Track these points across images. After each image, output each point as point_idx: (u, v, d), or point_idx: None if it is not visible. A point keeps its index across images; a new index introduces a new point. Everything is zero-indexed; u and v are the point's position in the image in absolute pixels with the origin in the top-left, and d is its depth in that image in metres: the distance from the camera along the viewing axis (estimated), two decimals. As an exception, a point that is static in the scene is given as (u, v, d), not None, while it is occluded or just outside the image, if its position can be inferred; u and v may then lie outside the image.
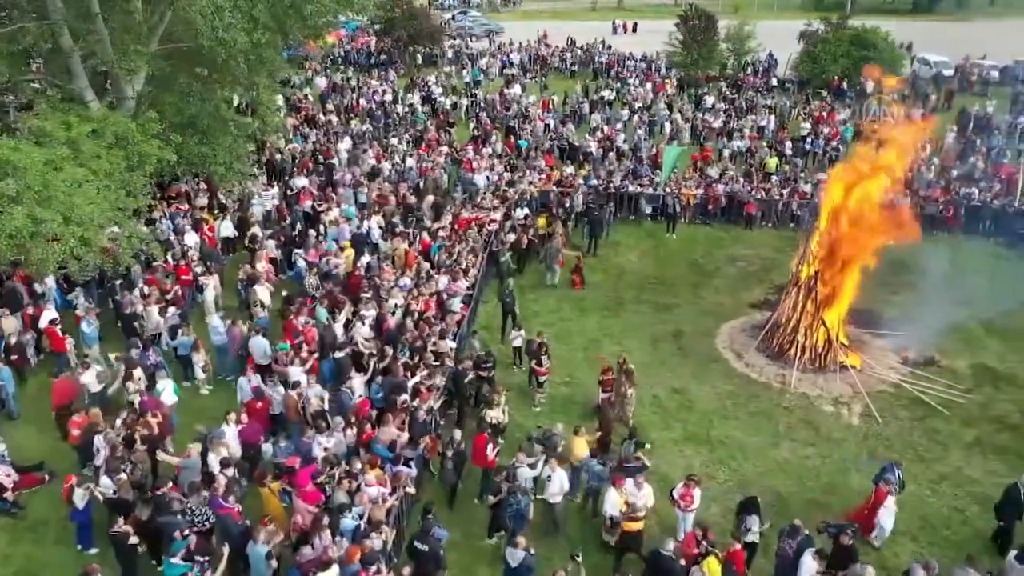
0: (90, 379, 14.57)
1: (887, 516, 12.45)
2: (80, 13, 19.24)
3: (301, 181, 24.42)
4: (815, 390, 16.73)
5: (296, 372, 14.56)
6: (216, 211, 22.76)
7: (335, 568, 10.09)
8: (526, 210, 23.46)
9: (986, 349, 18.44)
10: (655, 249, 23.78)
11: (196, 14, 18.13)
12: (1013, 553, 10.84)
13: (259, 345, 15.83)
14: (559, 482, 12.31)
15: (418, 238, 20.55)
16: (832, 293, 17.29)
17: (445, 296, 17.76)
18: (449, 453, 12.91)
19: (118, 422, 12.82)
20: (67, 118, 17.54)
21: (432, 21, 45.20)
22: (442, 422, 15.04)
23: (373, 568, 10.47)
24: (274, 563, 10.59)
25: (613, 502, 12.11)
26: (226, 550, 10.50)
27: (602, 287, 21.30)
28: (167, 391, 14.47)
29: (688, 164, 27.41)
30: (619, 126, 32.97)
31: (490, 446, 12.91)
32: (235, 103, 24.90)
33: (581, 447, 13.18)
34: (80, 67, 20.09)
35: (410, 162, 27.14)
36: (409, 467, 12.63)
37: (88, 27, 19.31)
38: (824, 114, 35.13)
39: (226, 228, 21.98)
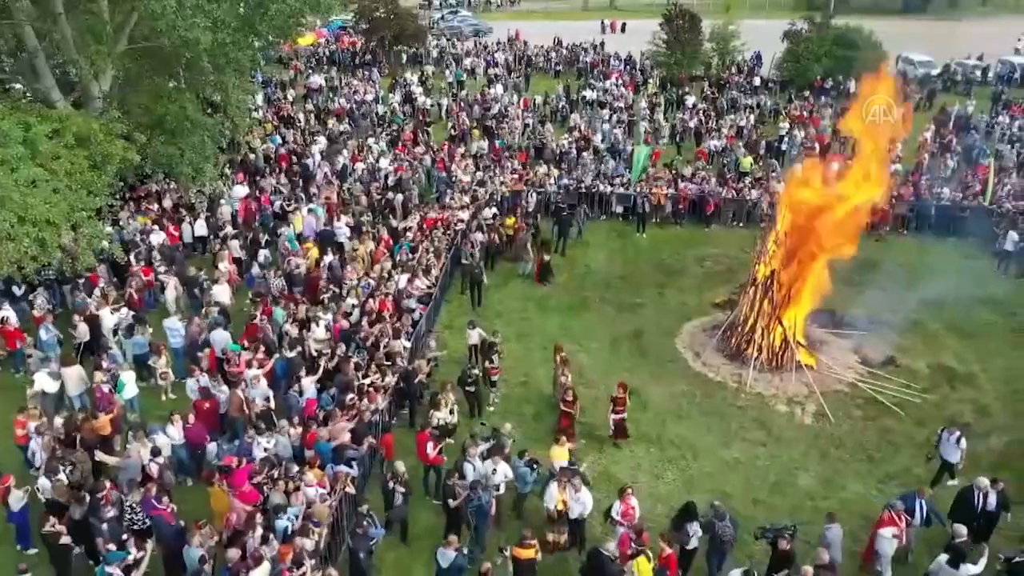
0: (44, 381, 14.59)
1: (884, 543, 11.68)
2: (45, 12, 19.30)
3: (267, 182, 24.50)
4: (770, 390, 16.73)
5: (251, 373, 14.61)
6: (183, 212, 22.76)
7: (265, 567, 10.09)
8: (494, 210, 23.45)
9: (946, 349, 18.42)
10: (624, 249, 23.80)
11: (157, 13, 18.18)
12: (944, 557, 10.83)
13: (221, 338, 15.98)
14: (502, 475, 12.37)
15: (378, 237, 20.55)
16: (790, 293, 17.24)
17: (404, 296, 17.77)
18: (395, 486, 12.17)
19: (58, 421, 12.83)
20: (26, 118, 17.57)
21: (416, 21, 45.13)
22: (394, 421, 15.12)
23: (302, 568, 10.51)
24: (208, 567, 10.56)
25: (552, 495, 12.18)
26: (148, 548, 10.48)
27: (567, 287, 21.31)
28: (129, 384, 14.59)
29: (651, 164, 27.28)
30: (604, 126, 32.93)
31: (431, 444, 12.92)
32: (205, 104, 24.76)
33: (559, 455, 12.94)
34: (46, 67, 20.14)
35: (384, 162, 27.16)
36: (351, 467, 12.67)
37: (51, 27, 19.37)
38: (805, 114, 35.13)
39: (199, 228, 22.03)
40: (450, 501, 12.15)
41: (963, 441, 13.62)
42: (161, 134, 21.18)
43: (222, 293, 17.65)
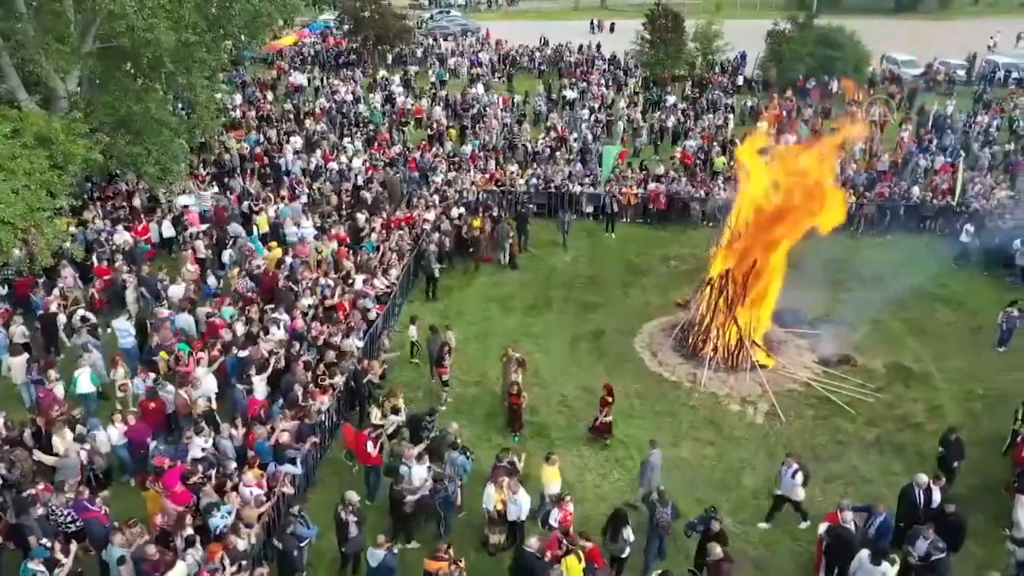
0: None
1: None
2: (8, 12, 19.33)
3: (236, 183, 24.55)
4: (724, 389, 16.74)
5: (201, 372, 14.65)
6: (159, 211, 22.80)
7: (180, 568, 10.11)
8: (461, 209, 23.47)
9: (904, 348, 18.42)
10: (591, 248, 23.82)
11: (115, 13, 18.22)
12: (865, 553, 10.83)
13: (186, 321, 16.31)
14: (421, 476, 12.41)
15: (341, 237, 20.61)
16: (745, 291, 17.25)
17: (360, 296, 17.79)
18: (347, 516, 11.57)
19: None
20: (-17, 118, 17.60)
21: (400, 21, 45.14)
22: (343, 420, 15.16)
23: (231, 567, 10.54)
24: (123, 569, 10.52)
25: (490, 496, 12.20)
26: (72, 550, 10.51)
27: (531, 286, 21.34)
28: (83, 379, 14.65)
29: (620, 163, 27.31)
30: (582, 126, 32.96)
31: (370, 443, 12.94)
32: (176, 105, 24.87)
33: (552, 476, 12.64)
34: (10, 66, 20.18)
35: (357, 162, 27.18)
36: (293, 465, 12.71)
37: (14, 27, 19.40)
38: (784, 114, 35.16)
39: (166, 228, 22.07)
40: (406, 503, 12.12)
41: (799, 476, 12.48)
42: (126, 134, 21.20)
43: (178, 293, 17.64)
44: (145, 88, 22.17)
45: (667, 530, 11.96)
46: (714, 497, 13.75)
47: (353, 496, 11.94)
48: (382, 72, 40.87)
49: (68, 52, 19.81)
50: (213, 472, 12.10)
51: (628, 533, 11.68)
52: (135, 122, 21.32)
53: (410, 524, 12.54)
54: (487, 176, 26.12)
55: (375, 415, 13.84)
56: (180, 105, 25.15)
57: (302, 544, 11.26)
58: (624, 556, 11.74)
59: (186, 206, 22.44)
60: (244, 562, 10.66)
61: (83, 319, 16.79)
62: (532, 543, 10.81)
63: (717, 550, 10.63)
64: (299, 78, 39.88)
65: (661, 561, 12.04)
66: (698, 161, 29.04)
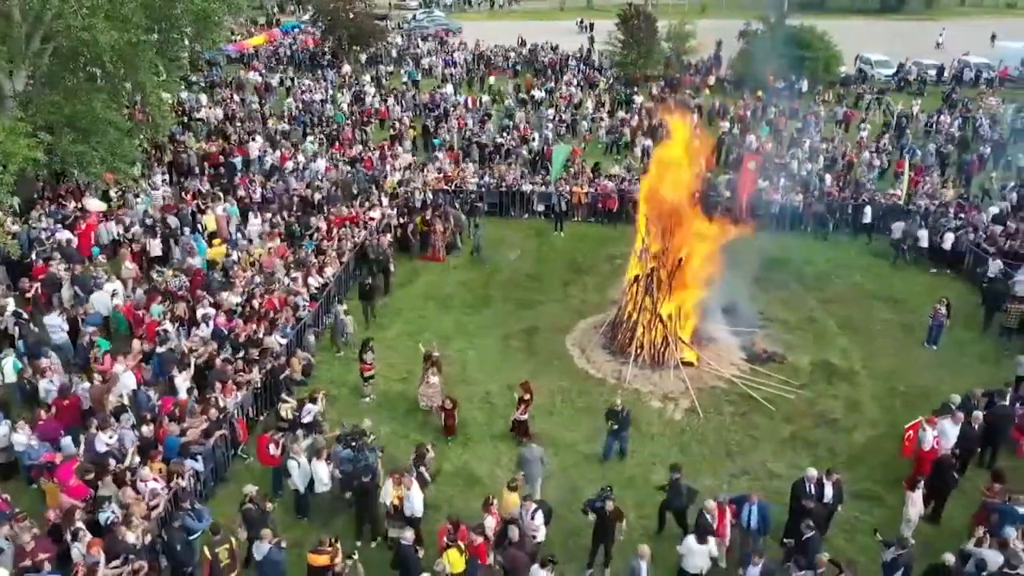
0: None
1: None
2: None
3: (192, 183, 24.71)
4: (648, 386, 16.82)
5: (120, 369, 14.78)
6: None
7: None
8: (393, 211, 23.54)
9: (833, 346, 18.51)
10: (539, 247, 23.92)
11: (55, 13, 18.39)
12: (692, 537, 11.15)
13: (100, 300, 16.71)
14: (326, 474, 12.52)
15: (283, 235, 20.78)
16: (669, 289, 17.36)
17: (292, 293, 17.92)
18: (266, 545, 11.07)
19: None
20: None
21: (374, 21, 45.33)
22: (262, 418, 15.30)
23: (118, 560, 10.67)
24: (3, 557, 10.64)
25: (387, 491, 12.32)
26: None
27: (473, 285, 21.44)
28: (7, 368, 14.88)
29: (571, 162, 27.41)
30: (549, 125, 33.07)
31: (272, 445, 13.07)
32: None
33: (512, 502, 12.35)
34: (-44, 67, 20.35)
35: (320, 163, 27.24)
36: (195, 460, 12.83)
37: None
38: (748, 113, 35.29)
39: (112, 228, 22.17)
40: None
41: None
42: (71, 132, 21.33)
43: (100, 300, 17.65)
44: (92, 87, 22.31)
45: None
46: (619, 493, 13.79)
47: (251, 488, 12.13)
48: (346, 67, 41.00)
49: (14, 52, 19.95)
50: (113, 465, 12.22)
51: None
52: (81, 121, 21.47)
53: (377, 521, 12.61)
54: (440, 176, 26.21)
55: (284, 411, 13.93)
56: (133, 104, 25.22)
57: (191, 538, 11.36)
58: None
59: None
60: (132, 555, 10.80)
61: (15, 314, 16.94)
62: (408, 536, 10.93)
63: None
64: (270, 78, 40.00)
65: None
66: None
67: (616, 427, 14.48)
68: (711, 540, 11.18)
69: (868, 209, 24.26)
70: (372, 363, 16.18)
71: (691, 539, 11.23)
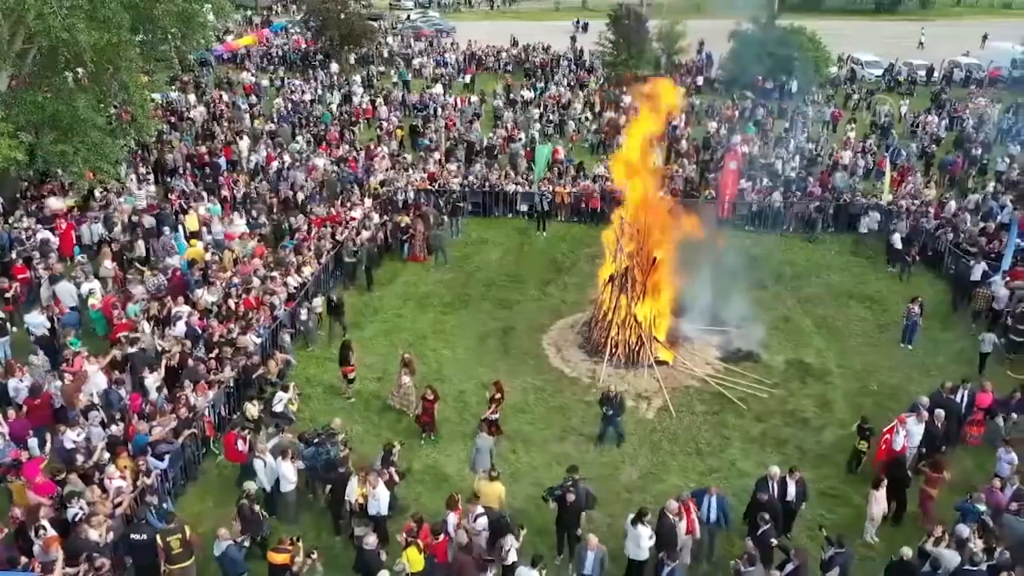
0: None
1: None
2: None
3: (177, 182, 24.82)
4: (623, 385, 16.84)
5: (92, 369, 14.85)
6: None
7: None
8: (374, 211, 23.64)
9: (808, 345, 18.59)
10: (520, 247, 23.98)
11: (35, 13, 18.45)
12: (631, 517, 11.37)
13: (66, 290, 16.93)
14: (291, 472, 12.60)
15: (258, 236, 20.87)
16: (644, 288, 17.42)
17: (267, 293, 17.98)
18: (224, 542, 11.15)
19: None
20: None
21: (365, 22, 45.35)
22: (235, 416, 15.36)
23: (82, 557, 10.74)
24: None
25: (352, 489, 12.40)
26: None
27: (453, 284, 21.50)
28: None
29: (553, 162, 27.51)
30: (535, 125, 33.15)
31: (240, 441, 13.15)
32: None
33: (496, 492, 12.38)
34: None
35: (319, 161, 27.23)
36: (161, 460, 12.90)
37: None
38: (735, 113, 35.37)
39: (96, 228, 22.24)
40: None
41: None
42: (52, 132, 21.40)
43: (65, 289, 17.73)
44: (75, 88, 22.37)
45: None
46: (587, 490, 13.95)
47: (251, 486, 12.30)
48: (334, 66, 41.13)
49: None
50: (81, 462, 12.30)
51: (510, 541, 11.35)
52: (63, 121, 21.53)
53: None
54: (427, 176, 26.28)
55: (249, 412, 14.00)
56: (120, 105, 25.29)
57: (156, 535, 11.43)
58: (508, 564, 11.30)
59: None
60: (95, 554, 10.86)
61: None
62: (370, 540, 11.00)
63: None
64: (260, 78, 40.10)
65: None
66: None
67: (610, 412, 14.77)
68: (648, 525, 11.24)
69: (846, 209, 24.30)
70: (355, 364, 16.26)
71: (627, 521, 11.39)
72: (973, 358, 17.78)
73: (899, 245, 22.07)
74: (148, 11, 21.02)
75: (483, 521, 11.65)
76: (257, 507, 11.98)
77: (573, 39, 49.51)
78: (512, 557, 11.43)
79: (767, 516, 11.45)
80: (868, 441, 13.88)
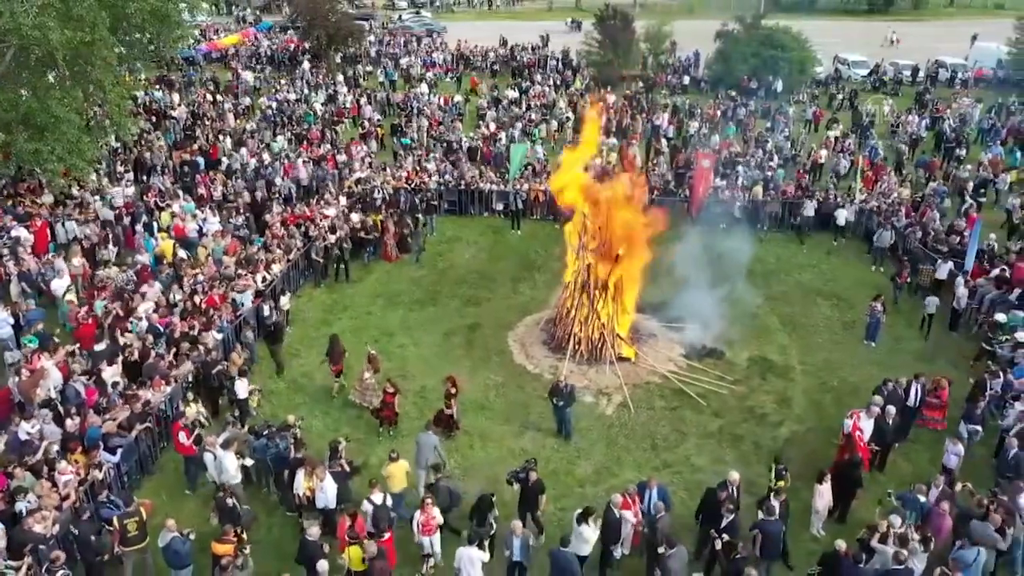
0: None
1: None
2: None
3: (156, 181, 24.92)
4: (584, 381, 16.95)
5: (48, 364, 14.97)
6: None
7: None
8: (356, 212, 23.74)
9: (772, 343, 18.66)
10: (494, 245, 24.08)
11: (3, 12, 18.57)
12: (576, 513, 11.46)
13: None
14: (232, 465, 12.71)
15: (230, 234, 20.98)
16: (607, 285, 17.49)
17: (233, 290, 18.09)
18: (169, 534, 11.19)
19: None
20: None
21: (352, 21, 45.50)
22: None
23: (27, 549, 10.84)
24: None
25: (299, 482, 12.50)
26: None
27: (423, 282, 21.60)
28: None
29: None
30: (517, 124, 33.19)
31: (183, 434, 13.25)
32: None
33: (398, 476, 12.69)
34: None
35: (301, 163, 27.36)
36: (114, 454, 13.01)
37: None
38: (718, 113, 35.46)
39: (70, 226, 22.36)
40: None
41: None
42: (27, 131, 21.49)
43: (60, 288, 17.89)
44: (49, 85, 22.45)
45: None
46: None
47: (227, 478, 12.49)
48: (307, 65, 41.26)
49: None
50: (33, 456, 12.40)
51: (493, 517, 11.99)
52: (36, 119, 21.62)
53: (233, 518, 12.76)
54: (405, 174, 26.38)
55: (194, 409, 14.07)
56: (98, 103, 25.38)
57: (103, 528, 11.54)
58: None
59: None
60: (42, 546, 10.96)
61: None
62: (313, 531, 11.09)
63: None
64: (246, 77, 40.22)
65: None
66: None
67: (560, 403, 14.90)
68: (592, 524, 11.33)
69: (823, 207, 24.38)
70: (341, 365, 16.50)
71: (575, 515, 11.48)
72: (935, 355, 17.87)
73: (886, 245, 22.41)
74: (121, 9, 21.11)
75: (377, 497, 11.85)
76: (232, 500, 12.03)
77: (544, 40, 49.42)
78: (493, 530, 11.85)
79: (731, 506, 11.50)
80: (785, 480, 13.08)
